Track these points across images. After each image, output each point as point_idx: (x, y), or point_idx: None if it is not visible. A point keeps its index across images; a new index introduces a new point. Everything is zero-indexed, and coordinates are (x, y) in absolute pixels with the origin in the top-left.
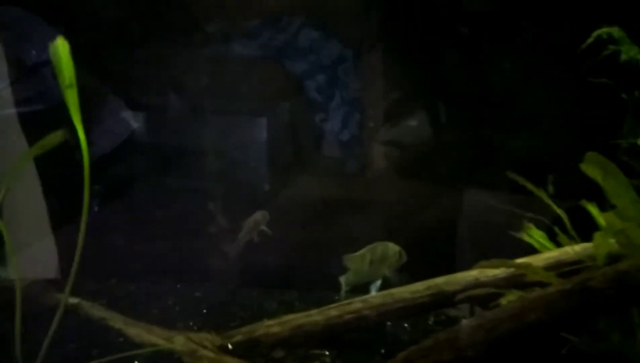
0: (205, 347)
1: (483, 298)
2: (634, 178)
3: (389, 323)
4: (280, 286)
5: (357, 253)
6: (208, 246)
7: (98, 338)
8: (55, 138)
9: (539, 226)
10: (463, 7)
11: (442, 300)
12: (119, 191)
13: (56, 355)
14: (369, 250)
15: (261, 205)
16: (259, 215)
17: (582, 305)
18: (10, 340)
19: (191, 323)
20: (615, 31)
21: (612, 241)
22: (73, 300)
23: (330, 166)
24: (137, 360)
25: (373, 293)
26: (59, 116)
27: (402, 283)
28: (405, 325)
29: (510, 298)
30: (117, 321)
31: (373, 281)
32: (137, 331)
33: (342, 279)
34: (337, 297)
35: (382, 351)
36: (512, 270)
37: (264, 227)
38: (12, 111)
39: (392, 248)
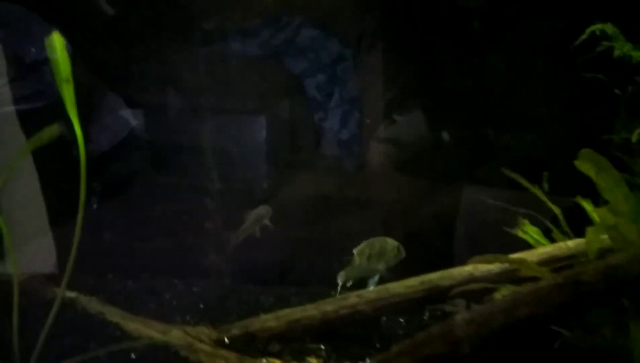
0: (201, 341)
1: (477, 293)
2: (625, 173)
3: (384, 318)
4: (277, 282)
5: (358, 248)
6: (205, 242)
7: (96, 331)
8: (51, 131)
9: (538, 222)
10: (460, 5)
11: (437, 295)
12: (118, 188)
13: (54, 348)
14: (368, 244)
15: (259, 203)
16: (262, 209)
17: (574, 299)
18: (8, 333)
19: (188, 318)
20: (609, 28)
21: (605, 236)
22: (70, 294)
23: (329, 165)
24: (134, 353)
25: (371, 288)
26: (58, 114)
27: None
28: (401, 319)
29: (504, 293)
30: (114, 315)
31: (371, 276)
32: (134, 325)
33: (341, 274)
34: (332, 293)
35: (378, 345)
36: (506, 265)
37: (266, 221)
38: (11, 108)
39: (391, 243)
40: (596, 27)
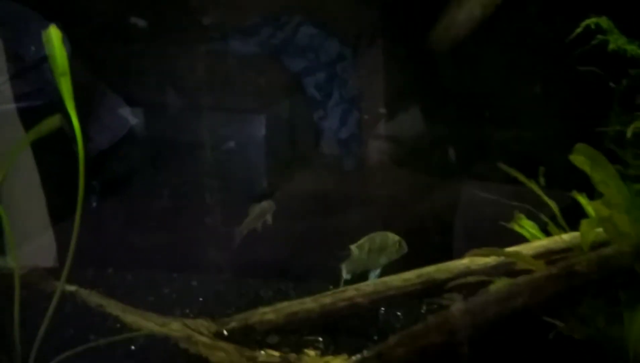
0: (201, 333)
1: (474, 286)
2: (618, 164)
3: (382, 311)
4: (276, 277)
5: (358, 242)
6: (204, 238)
7: (96, 324)
8: (52, 122)
9: (537, 216)
10: None
11: (433, 288)
12: (117, 186)
13: (54, 339)
14: (368, 239)
15: (262, 199)
16: (265, 204)
17: (568, 289)
18: (9, 325)
19: (187, 311)
20: (604, 21)
21: (600, 229)
22: (71, 288)
23: (328, 163)
24: (134, 345)
25: (371, 279)
26: (57, 111)
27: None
28: (398, 313)
29: (499, 286)
30: (114, 308)
31: (372, 270)
32: (134, 318)
33: (343, 266)
34: (331, 287)
35: (375, 337)
36: (502, 258)
37: (268, 216)
38: (10, 106)
39: (392, 238)
40: (591, 20)
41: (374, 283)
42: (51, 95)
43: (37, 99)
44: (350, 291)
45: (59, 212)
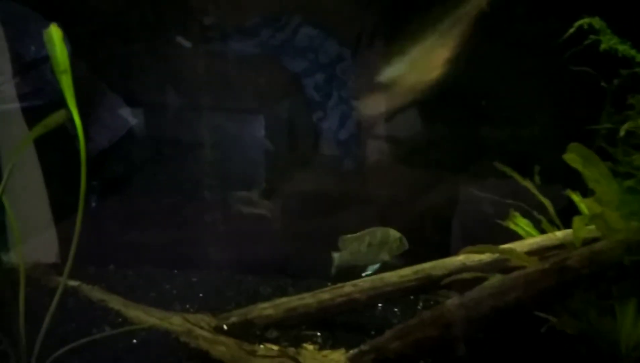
0: (201, 327)
1: (469, 282)
2: (609, 161)
3: (379, 307)
4: (275, 274)
5: (356, 234)
6: (204, 236)
7: (98, 318)
8: (57, 117)
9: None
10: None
11: (430, 284)
12: (117, 186)
13: (58, 333)
14: (369, 233)
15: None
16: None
17: (560, 284)
18: (15, 319)
19: (188, 306)
20: (596, 22)
21: (592, 226)
22: (73, 283)
23: (327, 164)
24: (136, 339)
25: (369, 272)
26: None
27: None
28: (395, 309)
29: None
30: (116, 303)
31: (370, 264)
32: (135, 312)
33: (336, 255)
34: (329, 284)
35: (372, 332)
36: (496, 255)
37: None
38: (11, 106)
39: (393, 234)
40: (584, 21)
41: (371, 279)
42: (51, 95)
43: (37, 99)
44: (348, 287)
45: (61, 210)
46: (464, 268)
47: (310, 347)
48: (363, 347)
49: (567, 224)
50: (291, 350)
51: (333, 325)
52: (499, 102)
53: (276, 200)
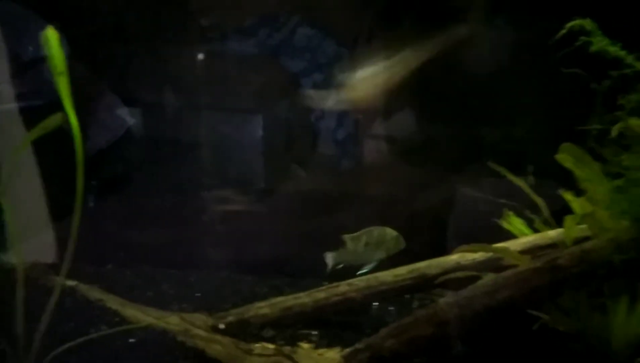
0: (198, 327)
1: (464, 281)
2: (598, 161)
3: (375, 305)
4: (272, 274)
5: (354, 234)
6: (201, 236)
7: (95, 318)
8: (55, 120)
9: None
10: (450, 4)
11: (424, 283)
12: (115, 186)
13: (56, 332)
14: (366, 232)
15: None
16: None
17: (551, 282)
18: (13, 318)
19: (185, 306)
20: (587, 23)
21: (584, 225)
22: (71, 283)
23: (325, 163)
24: (133, 338)
25: (365, 270)
26: (55, 112)
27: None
28: (391, 308)
29: None
30: (113, 302)
31: (367, 263)
32: (133, 312)
33: (331, 255)
34: (325, 283)
35: (368, 331)
36: (490, 254)
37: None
38: (9, 106)
39: (390, 233)
40: (575, 22)
41: (366, 278)
42: (50, 95)
43: (36, 99)
44: (344, 287)
45: (60, 209)
46: (458, 267)
47: (306, 345)
48: (358, 346)
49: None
50: (287, 349)
51: (329, 323)
52: (500, 105)
53: (272, 199)
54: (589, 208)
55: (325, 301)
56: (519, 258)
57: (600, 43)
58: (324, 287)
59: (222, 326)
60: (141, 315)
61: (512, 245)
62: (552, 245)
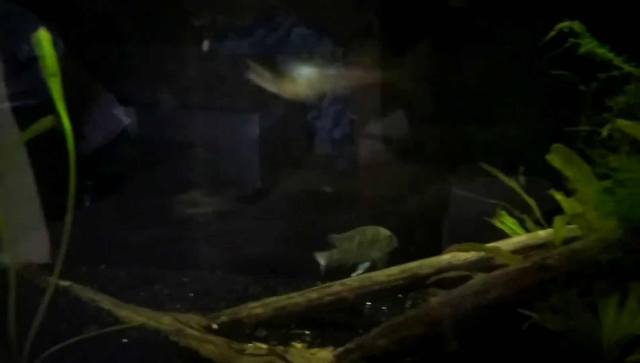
0: (191, 327)
1: (456, 280)
2: (588, 163)
3: (367, 305)
4: (265, 274)
5: (347, 234)
6: (196, 236)
7: (89, 318)
8: (45, 122)
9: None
10: (445, 4)
11: (416, 283)
12: (111, 185)
13: (48, 333)
14: (359, 232)
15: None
16: None
17: (540, 281)
18: (4, 319)
19: (178, 306)
20: (576, 25)
21: (574, 225)
22: (64, 283)
23: (321, 163)
24: (126, 338)
25: (360, 272)
26: (51, 111)
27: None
28: (384, 307)
29: None
30: (107, 302)
31: (360, 263)
32: (126, 312)
33: (323, 255)
34: (318, 283)
35: (361, 331)
36: (482, 253)
37: None
38: (4, 106)
39: (383, 232)
40: (565, 24)
41: (359, 278)
42: (45, 94)
43: (31, 98)
44: (337, 286)
45: (54, 210)
46: (450, 267)
47: (298, 345)
48: (349, 345)
49: None
50: (280, 349)
51: (322, 323)
52: (496, 106)
53: (267, 199)
54: (578, 209)
55: (318, 301)
56: (510, 257)
57: (588, 45)
58: (316, 287)
59: (215, 326)
60: (135, 315)
61: (504, 244)
62: (543, 245)
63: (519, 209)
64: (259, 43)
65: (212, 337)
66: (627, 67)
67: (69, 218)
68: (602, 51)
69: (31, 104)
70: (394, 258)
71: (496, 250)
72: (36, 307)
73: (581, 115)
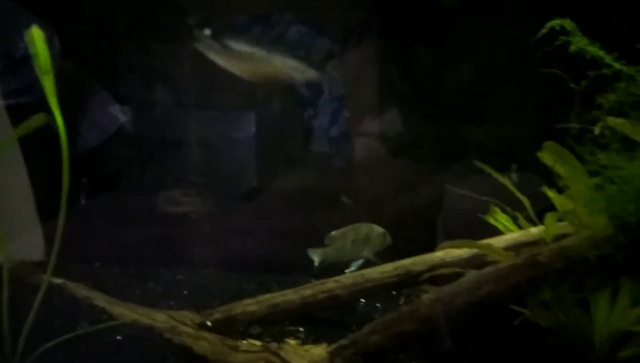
0: (185, 324)
1: (449, 277)
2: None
3: (362, 302)
4: (260, 271)
5: (340, 231)
6: (191, 233)
7: (83, 315)
8: (37, 120)
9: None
10: (441, 4)
11: (409, 280)
12: (107, 183)
13: (42, 330)
14: (353, 229)
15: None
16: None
17: (531, 278)
18: None
19: (172, 304)
20: (567, 23)
21: (565, 222)
22: (58, 281)
23: (318, 161)
24: (120, 335)
25: (353, 269)
26: (47, 108)
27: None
28: (378, 304)
29: None
30: (101, 300)
31: (354, 260)
32: (120, 309)
33: (317, 253)
34: (313, 280)
35: (354, 327)
36: (475, 250)
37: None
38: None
39: (377, 229)
40: (556, 22)
41: (353, 275)
42: (40, 92)
43: (27, 95)
44: (330, 284)
45: (49, 208)
46: (443, 264)
47: (292, 342)
48: (343, 342)
49: None
50: (273, 345)
51: (316, 320)
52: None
53: (263, 197)
54: (569, 205)
55: (312, 298)
56: (502, 254)
57: (579, 43)
58: (310, 284)
59: (209, 323)
60: (129, 313)
61: (496, 241)
62: (535, 242)
63: (512, 207)
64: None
65: (206, 334)
66: (617, 65)
67: (62, 215)
68: (593, 49)
69: (26, 101)
70: (387, 255)
71: (488, 246)
72: (30, 305)
73: (571, 113)
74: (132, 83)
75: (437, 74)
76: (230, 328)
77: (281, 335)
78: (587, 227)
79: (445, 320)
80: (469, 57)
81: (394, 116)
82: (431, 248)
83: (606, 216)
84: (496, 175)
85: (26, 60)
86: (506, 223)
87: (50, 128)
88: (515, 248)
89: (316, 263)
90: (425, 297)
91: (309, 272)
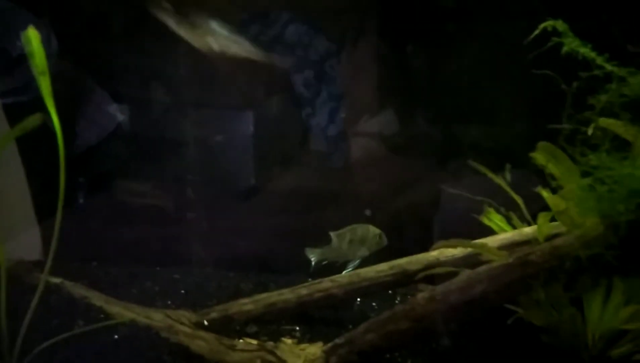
0: (182, 323)
1: (443, 276)
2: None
3: (358, 301)
4: (257, 270)
5: (338, 231)
6: (189, 233)
7: (80, 314)
8: (33, 120)
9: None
10: (439, 4)
11: (405, 279)
12: (104, 182)
13: (40, 329)
14: (349, 230)
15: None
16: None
17: (523, 277)
18: None
19: (169, 303)
20: (559, 24)
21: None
22: (56, 280)
23: (316, 160)
24: (117, 335)
25: (350, 269)
26: (44, 107)
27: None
28: (374, 303)
29: None
30: (98, 299)
31: (351, 261)
32: (117, 309)
33: (314, 252)
34: (310, 279)
35: (350, 326)
36: (469, 249)
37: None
38: None
39: (373, 230)
40: (548, 23)
41: (349, 275)
42: (38, 91)
43: (24, 94)
44: (326, 283)
45: (46, 207)
46: (438, 263)
47: (288, 341)
48: (338, 340)
49: None
50: (270, 344)
51: (312, 319)
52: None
53: (261, 197)
54: (562, 205)
55: (308, 298)
56: (496, 253)
57: (571, 44)
58: (306, 284)
59: (206, 322)
60: (126, 312)
61: (490, 241)
62: (529, 241)
63: (508, 207)
64: (254, 40)
65: (202, 333)
66: (608, 67)
67: (59, 215)
68: (585, 50)
69: (25, 100)
70: (383, 254)
71: (483, 246)
72: (27, 304)
73: (563, 113)
74: (130, 82)
75: (434, 74)
76: (227, 327)
77: (277, 334)
78: (578, 227)
79: (439, 319)
80: (464, 57)
81: (390, 115)
82: (426, 247)
83: (597, 216)
84: (491, 175)
85: (23, 59)
86: (500, 224)
87: (47, 127)
88: (510, 247)
89: (313, 263)
90: (420, 296)
91: (306, 272)
